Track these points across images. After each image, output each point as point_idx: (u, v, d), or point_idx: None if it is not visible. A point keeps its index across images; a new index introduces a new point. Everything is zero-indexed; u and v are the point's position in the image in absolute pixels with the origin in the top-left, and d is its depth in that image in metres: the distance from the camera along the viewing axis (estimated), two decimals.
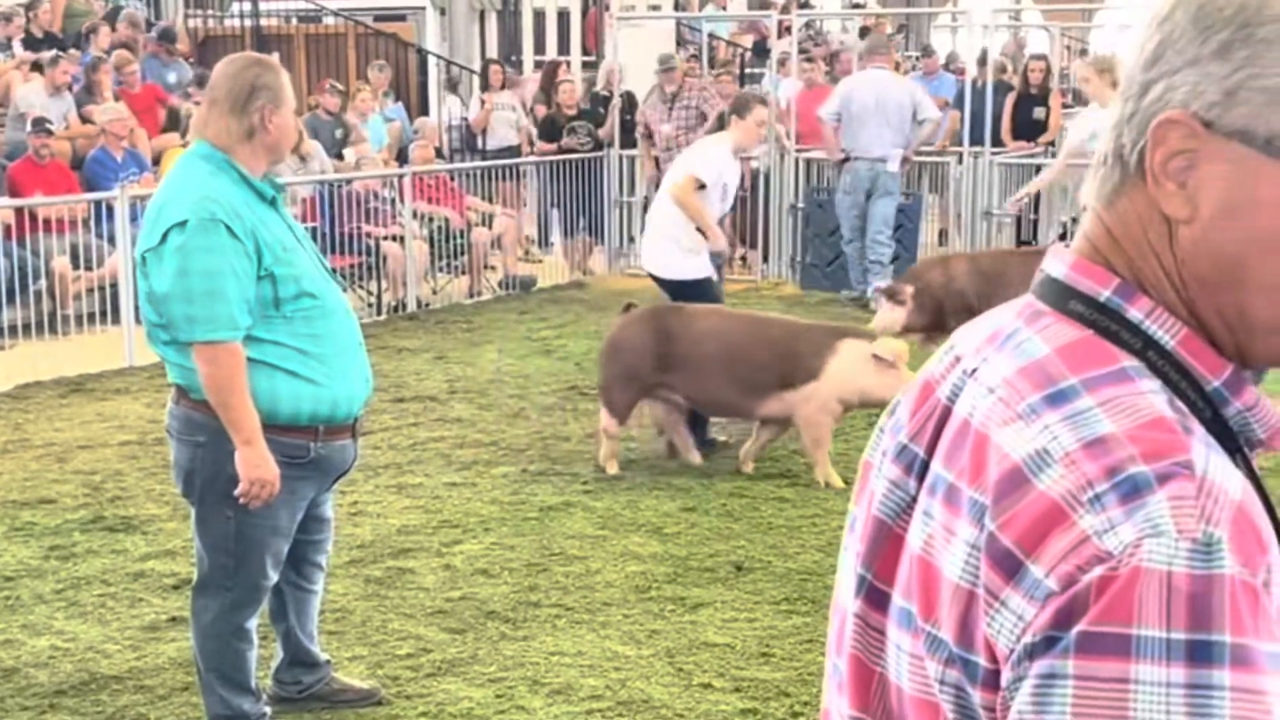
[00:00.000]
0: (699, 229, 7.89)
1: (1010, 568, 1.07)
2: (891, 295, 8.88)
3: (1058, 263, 1.24)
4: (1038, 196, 12.75)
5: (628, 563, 5.98)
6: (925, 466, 1.23)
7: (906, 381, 8.23)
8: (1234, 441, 1.16)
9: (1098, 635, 1.01)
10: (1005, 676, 1.07)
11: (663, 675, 4.91)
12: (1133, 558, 1.02)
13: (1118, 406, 1.10)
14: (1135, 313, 1.18)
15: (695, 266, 8.00)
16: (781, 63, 14.81)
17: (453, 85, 16.55)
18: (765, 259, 13.35)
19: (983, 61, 14.09)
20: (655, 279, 8.26)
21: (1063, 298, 1.21)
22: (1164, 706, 0.99)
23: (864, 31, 18.89)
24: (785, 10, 18.42)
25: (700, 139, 9.85)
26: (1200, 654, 0.99)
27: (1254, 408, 1.18)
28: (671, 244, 8.00)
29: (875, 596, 1.25)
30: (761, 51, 17.02)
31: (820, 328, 7.32)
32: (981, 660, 1.10)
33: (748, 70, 16.65)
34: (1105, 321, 1.18)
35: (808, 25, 17.83)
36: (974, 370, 1.23)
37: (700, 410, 7.58)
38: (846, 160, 12.03)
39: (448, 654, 5.09)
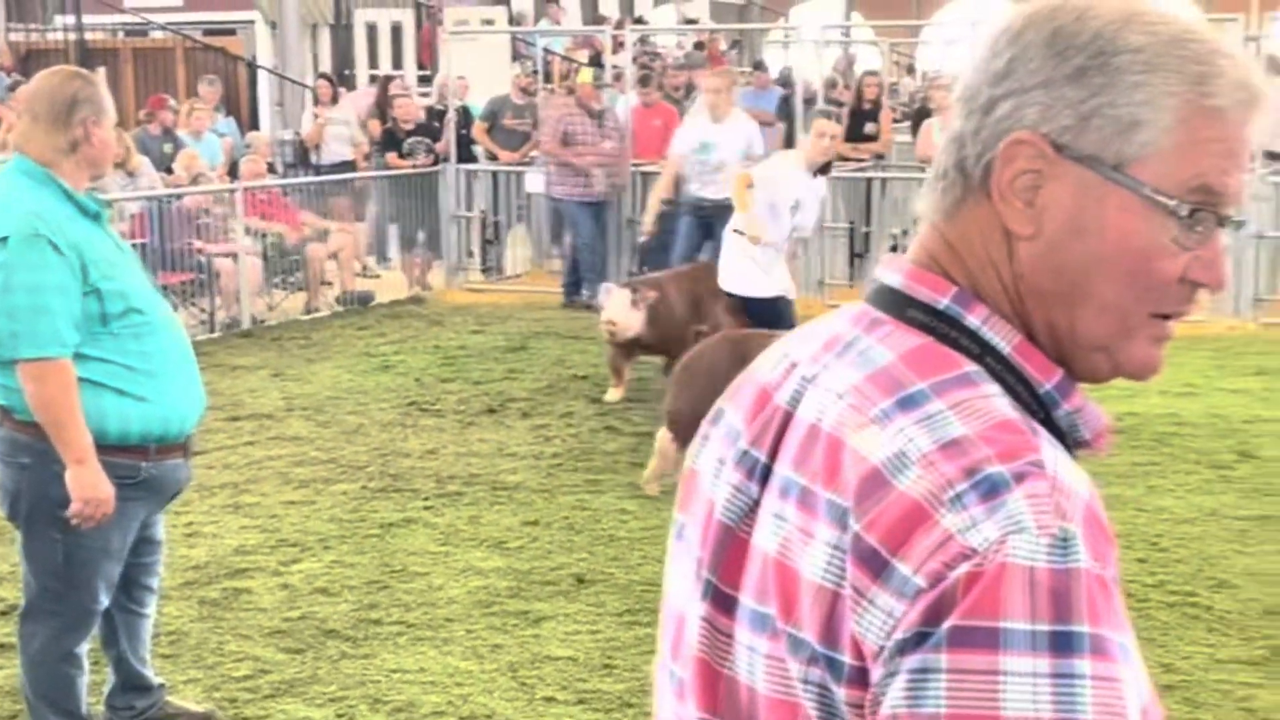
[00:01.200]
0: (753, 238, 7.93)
1: (877, 566, 1.10)
2: (636, 293, 8.80)
3: (893, 272, 1.27)
4: (869, 208, 12.97)
5: (470, 578, 5.95)
6: (767, 471, 1.25)
7: None
8: (1064, 441, 1.21)
9: (968, 629, 1.05)
10: (876, 673, 1.09)
11: (506, 690, 4.89)
12: (998, 554, 1.06)
13: (967, 409, 1.14)
14: (973, 320, 1.22)
15: (771, 284, 8.01)
16: (616, 78, 14.88)
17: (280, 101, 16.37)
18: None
19: (785, 82, 14.28)
20: (731, 296, 8.28)
21: (901, 305, 1.24)
22: (1031, 695, 1.03)
23: (699, 46, 19.08)
24: (619, 26, 18.53)
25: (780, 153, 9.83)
26: (1063, 644, 1.04)
27: (1081, 410, 1.23)
28: (749, 261, 8.06)
29: (722, 601, 1.26)
30: (597, 67, 17.08)
31: None
32: (847, 658, 1.12)
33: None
34: (944, 328, 1.22)
35: (642, 40, 17.94)
36: (814, 376, 1.25)
37: None
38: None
39: (286, 674, 5.01)
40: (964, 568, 1.06)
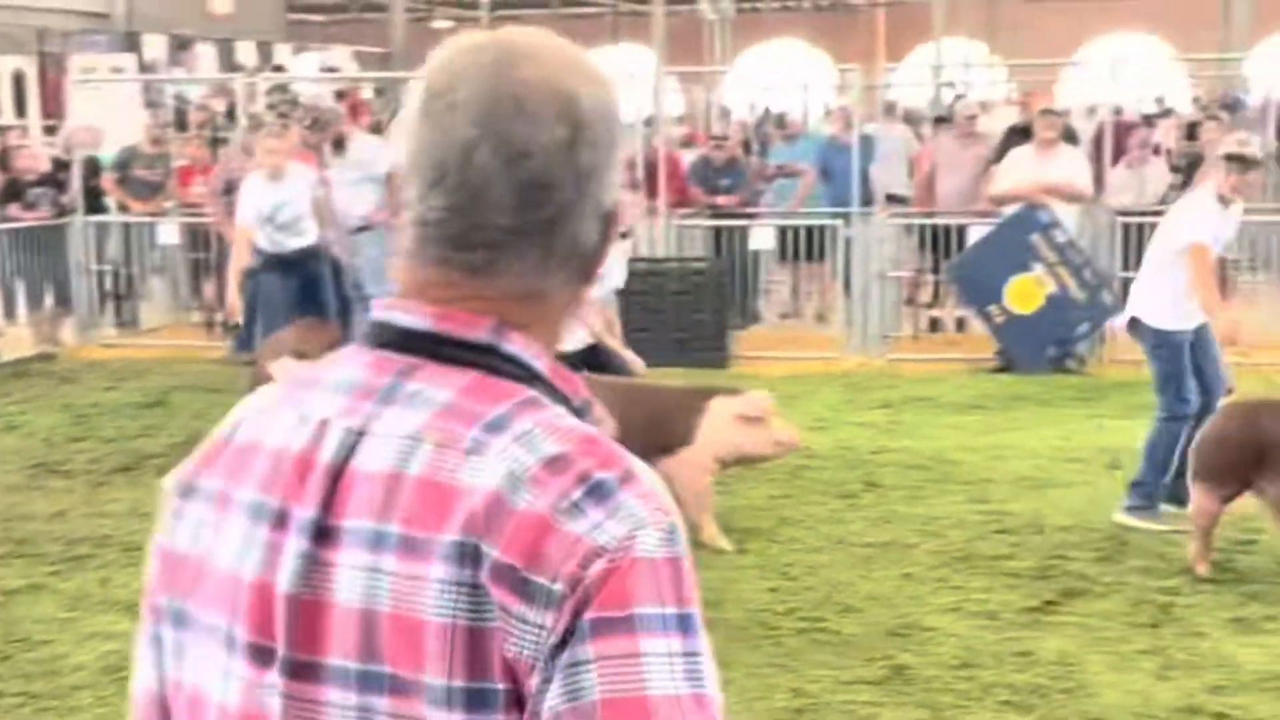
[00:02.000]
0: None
1: (517, 585, 1.15)
2: (301, 355, 8.23)
3: (408, 314, 1.29)
4: None
5: (100, 643, 5.70)
6: (325, 530, 1.23)
7: (777, 433, 7.84)
8: None
9: (608, 620, 1.14)
10: (533, 684, 1.15)
11: None
12: (628, 549, 1.15)
13: (550, 429, 1.21)
14: (513, 348, 1.27)
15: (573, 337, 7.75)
16: (255, 128, 14.60)
17: None
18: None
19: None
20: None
21: (433, 346, 1.27)
22: (669, 672, 1.14)
23: (339, 95, 18.90)
24: (254, 74, 18.21)
25: None
26: (686, 625, 1.17)
27: (601, 421, 1.32)
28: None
29: (304, 672, 1.23)
30: (234, 115, 16.72)
31: (687, 390, 7.21)
32: (500, 685, 1.16)
33: (220, 134, 16.29)
34: (488, 360, 1.26)
35: (281, 89, 17.65)
36: (363, 428, 1.25)
37: None
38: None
39: None
40: (598, 565, 1.15)
